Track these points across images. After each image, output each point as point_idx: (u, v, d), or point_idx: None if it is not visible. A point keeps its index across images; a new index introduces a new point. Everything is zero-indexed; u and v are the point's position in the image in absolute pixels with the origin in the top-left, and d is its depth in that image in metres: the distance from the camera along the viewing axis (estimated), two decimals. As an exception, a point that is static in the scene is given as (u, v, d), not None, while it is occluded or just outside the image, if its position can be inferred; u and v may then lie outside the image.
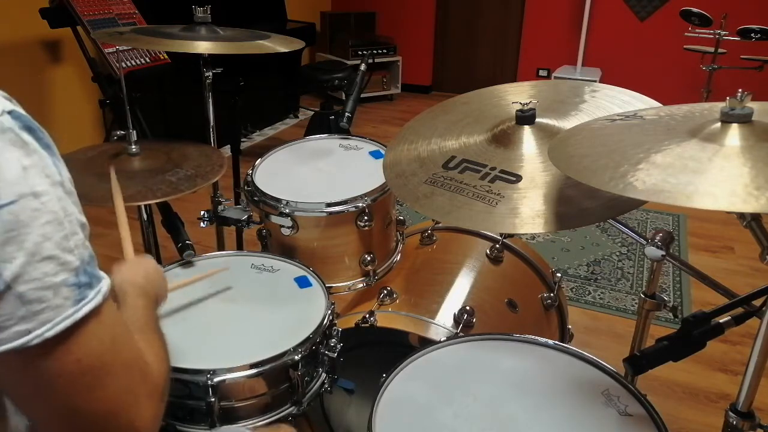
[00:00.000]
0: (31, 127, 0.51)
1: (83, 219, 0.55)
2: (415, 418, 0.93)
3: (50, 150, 0.53)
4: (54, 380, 0.52)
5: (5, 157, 0.48)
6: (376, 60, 5.34)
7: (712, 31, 3.54)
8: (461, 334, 1.29)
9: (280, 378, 1.04)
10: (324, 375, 1.15)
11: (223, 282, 1.23)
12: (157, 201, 1.33)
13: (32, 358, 0.50)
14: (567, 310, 1.71)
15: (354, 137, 1.66)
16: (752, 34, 3.31)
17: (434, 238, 1.67)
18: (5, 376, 0.52)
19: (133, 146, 1.47)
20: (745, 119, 0.77)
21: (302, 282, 1.25)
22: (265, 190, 1.39)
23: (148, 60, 2.37)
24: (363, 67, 1.70)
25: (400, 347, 1.25)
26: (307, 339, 1.07)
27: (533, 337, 1.11)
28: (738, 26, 3.37)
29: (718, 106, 0.81)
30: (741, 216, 0.80)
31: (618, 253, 2.91)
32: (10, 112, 0.50)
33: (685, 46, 3.82)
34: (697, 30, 3.63)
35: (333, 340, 1.15)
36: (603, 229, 3.13)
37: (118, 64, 2.17)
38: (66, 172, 0.54)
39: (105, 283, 0.55)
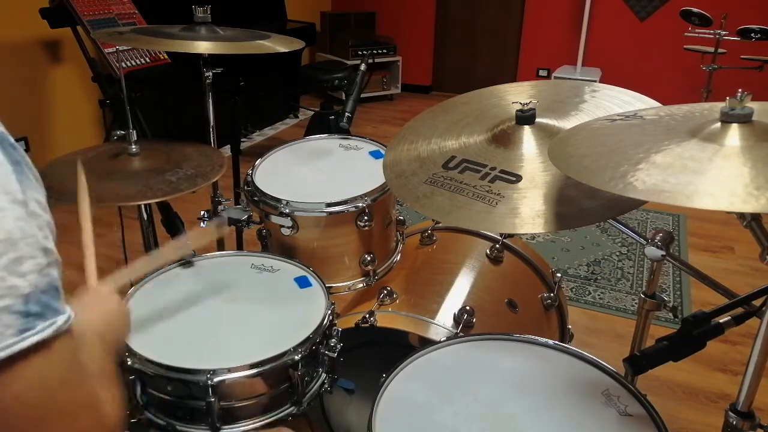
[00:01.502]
0: (2, 142, 0.48)
1: (48, 245, 0.50)
2: (415, 418, 0.93)
3: (18, 166, 0.49)
4: None
5: None
6: (376, 60, 5.34)
7: (712, 31, 3.54)
8: (461, 334, 1.29)
9: (280, 378, 1.04)
10: (324, 375, 1.15)
11: (223, 282, 1.23)
12: (157, 200, 1.33)
13: None
14: (567, 310, 1.71)
15: (354, 137, 1.66)
16: (752, 34, 3.31)
17: (434, 238, 1.67)
18: None
19: (133, 146, 1.47)
20: (745, 119, 0.77)
21: (302, 282, 1.25)
22: (265, 190, 1.39)
23: (148, 60, 2.37)
24: (363, 67, 1.69)
25: (400, 347, 1.25)
26: (307, 339, 1.07)
27: (533, 337, 1.11)
28: (738, 26, 3.37)
29: (718, 106, 0.80)
30: (741, 216, 0.80)
31: (618, 253, 2.90)
32: None
33: (685, 46, 3.82)
34: (697, 30, 3.63)
35: (333, 340, 1.15)
36: (603, 229, 3.13)
37: (118, 64, 2.17)
38: (35, 194, 0.50)
39: (62, 319, 0.50)
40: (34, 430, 0.50)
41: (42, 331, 0.48)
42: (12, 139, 0.50)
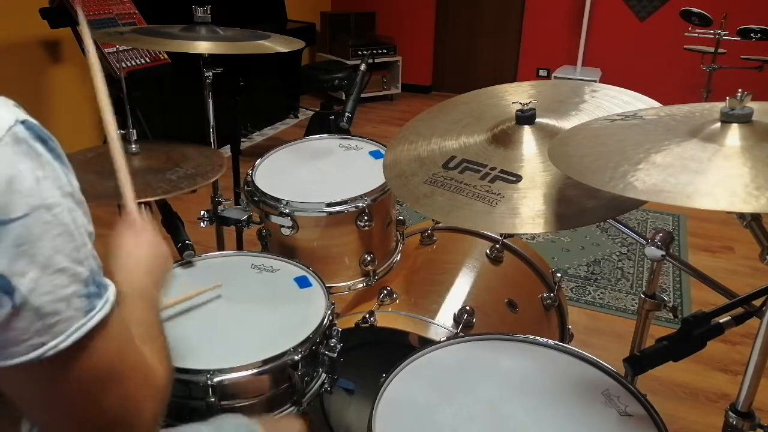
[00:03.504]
0: (43, 137, 0.51)
1: (91, 228, 0.54)
2: (415, 418, 0.93)
3: (61, 160, 0.52)
4: (65, 389, 0.53)
5: (19, 169, 0.48)
6: (376, 60, 5.34)
7: (712, 31, 3.54)
8: (461, 334, 1.29)
9: (280, 378, 1.04)
10: (324, 375, 1.15)
11: (223, 282, 1.23)
12: (157, 198, 1.33)
13: (45, 368, 0.51)
14: (567, 310, 1.71)
15: (354, 137, 1.66)
16: (752, 34, 3.31)
17: (434, 238, 1.67)
18: (17, 385, 0.53)
19: (133, 146, 1.47)
20: (745, 119, 0.77)
21: (302, 282, 1.25)
22: (265, 190, 1.39)
23: (148, 60, 2.37)
24: (363, 67, 1.70)
25: (400, 347, 1.25)
26: (307, 339, 1.07)
27: (533, 337, 1.11)
28: (738, 26, 3.37)
29: (718, 106, 0.81)
30: (741, 216, 0.80)
31: (618, 253, 2.90)
32: (23, 122, 0.50)
33: (685, 46, 3.82)
34: (697, 30, 3.63)
35: (333, 340, 1.15)
36: (603, 229, 3.13)
37: (118, 64, 2.18)
38: (75, 181, 0.54)
39: (111, 291, 0.55)
40: (100, 396, 0.55)
41: (102, 308, 0.53)
42: (49, 134, 0.52)
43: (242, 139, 4.43)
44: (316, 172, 1.52)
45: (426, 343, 1.17)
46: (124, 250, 0.82)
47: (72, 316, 0.51)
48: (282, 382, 1.05)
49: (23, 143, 0.49)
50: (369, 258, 1.43)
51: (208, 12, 1.51)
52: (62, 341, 0.50)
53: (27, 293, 0.48)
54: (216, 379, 0.97)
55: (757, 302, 0.84)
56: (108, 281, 0.56)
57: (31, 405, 0.56)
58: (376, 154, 1.57)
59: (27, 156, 0.49)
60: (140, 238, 0.85)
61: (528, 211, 0.95)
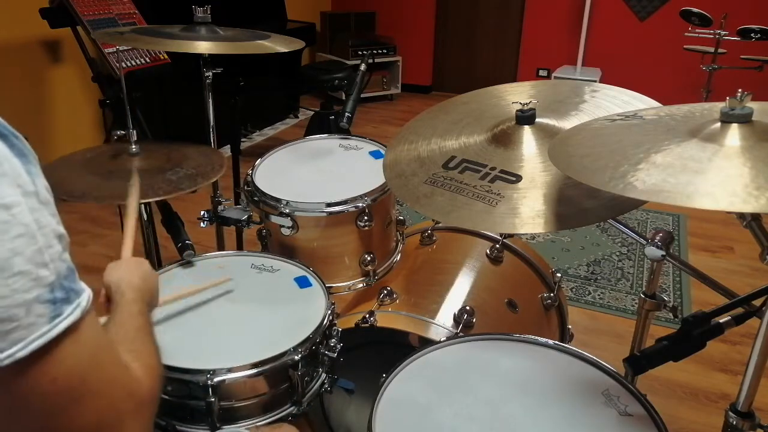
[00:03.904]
0: (3, 133, 0.49)
1: (61, 230, 0.51)
2: (415, 418, 0.93)
3: (24, 158, 0.49)
4: (28, 400, 0.50)
5: None
6: (376, 60, 5.34)
7: (712, 31, 3.54)
8: (461, 334, 1.29)
9: (280, 378, 1.04)
10: (324, 375, 1.15)
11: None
12: (158, 199, 1.33)
13: (4, 378, 0.48)
14: (567, 310, 1.71)
15: (354, 137, 1.66)
16: (752, 34, 3.31)
17: (434, 238, 1.67)
18: None
19: (133, 146, 1.47)
20: (745, 119, 0.77)
21: (302, 282, 1.25)
22: (265, 190, 1.39)
23: (148, 60, 2.37)
24: (363, 67, 1.69)
25: (400, 347, 1.25)
26: (307, 339, 1.07)
27: (533, 337, 1.11)
28: (738, 26, 3.37)
29: (718, 106, 0.81)
30: (741, 216, 0.80)
31: (618, 253, 2.91)
32: None
33: (685, 46, 3.82)
34: (697, 30, 3.63)
35: (333, 340, 1.15)
36: (603, 229, 3.13)
37: (118, 64, 2.17)
38: (42, 180, 0.51)
39: (85, 297, 0.52)
40: (70, 409, 0.52)
41: (71, 314, 0.50)
42: (15, 131, 0.50)
43: (242, 139, 4.43)
44: (316, 172, 1.52)
45: (426, 343, 1.17)
46: (120, 265, 0.83)
47: (33, 322, 0.47)
48: (282, 382, 1.05)
49: None
50: (369, 258, 1.43)
51: (208, 12, 1.51)
52: (20, 350, 0.47)
53: None
54: (216, 379, 0.97)
55: (757, 302, 0.84)
56: (82, 286, 0.53)
57: None
58: (376, 154, 1.57)
59: None
60: (138, 264, 0.86)
61: (528, 211, 0.95)
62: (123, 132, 1.50)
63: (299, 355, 1.03)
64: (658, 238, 0.97)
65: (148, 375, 0.62)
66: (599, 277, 2.69)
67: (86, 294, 0.53)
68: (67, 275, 0.51)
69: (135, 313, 0.73)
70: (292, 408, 1.07)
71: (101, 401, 0.54)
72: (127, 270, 0.82)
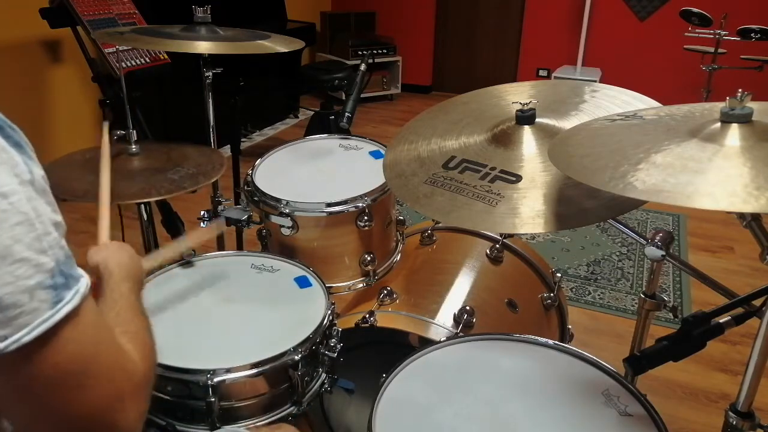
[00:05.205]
0: None
1: (58, 218, 0.52)
2: (415, 418, 0.93)
3: (20, 148, 0.50)
4: (32, 384, 0.51)
5: None
6: (376, 60, 5.34)
7: (712, 31, 3.54)
8: (461, 334, 1.29)
9: (280, 378, 1.04)
10: (324, 375, 1.15)
11: (223, 282, 1.23)
12: (159, 198, 1.33)
13: (9, 363, 0.49)
14: (567, 310, 1.71)
15: (354, 137, 1.66)
16: (752, 34, 3.31)
17: (434, 238, 1.67)
18: None
19: (133, 146, 1.47)
20: (745, 119, 0.77)
21: (302, 282, 1.25)
22: (265, 190, 1.39)
23: (148, 60, 2.37)
24: (363, 67, 1.70)
25: (400, 347, 1.25)
26: (307, 339, 1.07)
27: (533, 337, 1.11)
28: (738, 26, 3.37)
29: (718, 106, 0.81)
30: (741, 216, 0.80)
31: (618, 253, 2.90)
32: None
33: (685, 46, 3.82)
34: (697, 30, 3.63)
35: (333, 340, 1.15)
36: (603, 229, 3.13)
37: (118, 64, 2.17)
38: (38, 170, 0.52)
39: (83, 283, 0.54)
40: (72, 393, 0.53)
41: (71, 299, 0.51)
42: (10, 122, 0.51)
43: (242, 139, 4.43)
44: (316, 172, 1.52)
45: (426, 343, 1.17)
46: (106, 246, 0.83)
47: (36, 308, 0.49)
48: (282, 382, 1.05)
49: None
50: (369, 258, 1.43)
51: (208, 12, 1.51)
52: (25, 335, 0.48)
53: None
54: (216, 379, 0.97)
55: (757, 302, 0.84)
56: (80, 272, 0.54)
57: (1, 400, 0.54)
58: (376, 154, 1.57)
59: None
60: (122, 246, 0.85)
61: (528, 211, 0.95)
62: (123, 132, 1.50)
63: (299, 355, 1.03)
64: (658, 238, 0.97)
65: (144, 356, 0.63)
66: (599, 277, 2.69)
67: (84, 280, 0.54)
68: (66, 261, 0.52)
69: (125, 293, 0.73)
70: (292, 408, 1.07)
71: (101, 384, 0.55)
72: (113, 249, 0.81)
